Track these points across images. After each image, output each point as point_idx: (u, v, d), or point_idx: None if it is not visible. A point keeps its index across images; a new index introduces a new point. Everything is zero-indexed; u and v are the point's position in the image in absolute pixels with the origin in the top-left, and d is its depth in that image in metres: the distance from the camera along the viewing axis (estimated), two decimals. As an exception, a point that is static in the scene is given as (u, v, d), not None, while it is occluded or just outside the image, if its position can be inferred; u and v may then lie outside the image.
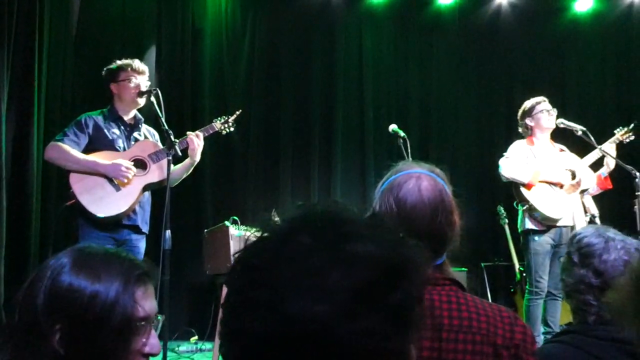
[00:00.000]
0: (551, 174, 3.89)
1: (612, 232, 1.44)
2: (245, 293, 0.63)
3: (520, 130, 4.09)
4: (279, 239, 0.65)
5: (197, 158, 3.43)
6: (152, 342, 1.01)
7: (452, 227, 1.24)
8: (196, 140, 3.39)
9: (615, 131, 4.10)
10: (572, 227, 3.85)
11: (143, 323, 1.00)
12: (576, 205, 3.93)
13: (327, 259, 0.60)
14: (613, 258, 1.38)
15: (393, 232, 0.68)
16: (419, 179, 1.25)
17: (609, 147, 4.01)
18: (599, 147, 3.94)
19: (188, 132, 3.44)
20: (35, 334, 0.93)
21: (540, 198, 3.83)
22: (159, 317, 1.05)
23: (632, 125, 4.10)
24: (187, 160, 3.47)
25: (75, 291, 0.95)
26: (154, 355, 1.02)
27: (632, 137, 4.11)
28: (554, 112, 3.97)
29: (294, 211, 0.68)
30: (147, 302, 1.01)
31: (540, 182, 3.85)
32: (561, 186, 3.87)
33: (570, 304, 1.46)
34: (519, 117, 4.07)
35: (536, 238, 3.83)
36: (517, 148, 4.01)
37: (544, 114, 3.95)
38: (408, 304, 0.62)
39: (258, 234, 0.68)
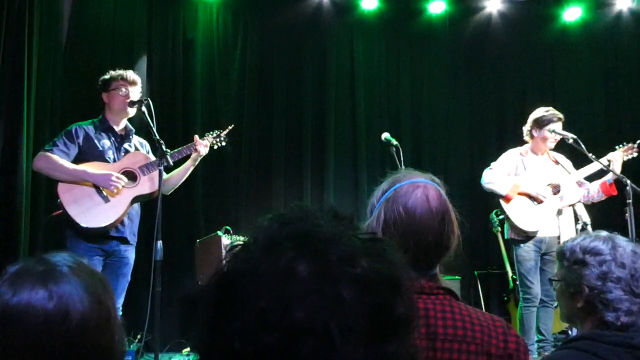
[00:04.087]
0: (531, 187, 3.90)
1: (604, 233, 1.48)
2: (242, 303, 0.62)
3: (524, 132, 4.05)
4: (263, 249, 0.65)
5: (197, 162, 3.54)
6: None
7: (454, 237, 1.25)
8: (204, 150, 3.50)
9: (617, 147, 4.03)
10: (559, 237, 3.88)
11: None
12: (565, 215, 3.96)
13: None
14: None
15: (389, 248, 0.68)
16: (425, 189, 1.24)
17: (613, 157, 3.94)
18: (590, 154, 3.96)
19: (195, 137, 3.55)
20: None
21: (516, 211, 3.88)
22: None
23: (638, 142, 4.01)
24: (187, 163, 3.51)
25: (27, 307, 0.92)
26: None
27: (635, 154, 4.01)
28: (558, 137, 3.95)
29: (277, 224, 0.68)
30: None
31: (519, 194, 3.88)
32: (540, 201, 3.89)
33: (588, 313, 1.43)
34: (529, 122, 4.01)
35: (521, 245, 3.89)
36: (507, 158, 4.02)
37: (552, 134, 3.92)
38: (409, 314, 0.64)
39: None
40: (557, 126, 3.94)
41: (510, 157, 4.02)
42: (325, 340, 0.58)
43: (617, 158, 3.95)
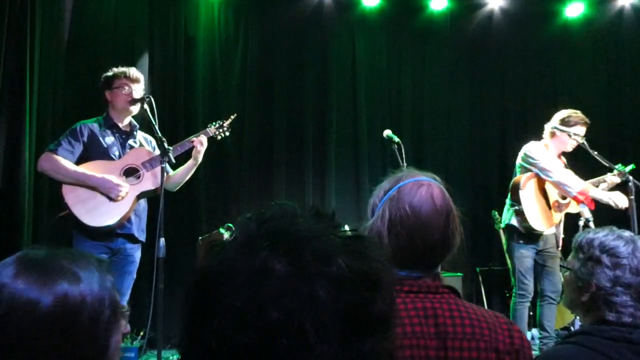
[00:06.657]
0: (602, 193, 3.85)
1: (627, 233, 1.48)
2: (218, 302, 0.62)
3: (548, 128, 4.00)
4: (240, 250, 0.65)
5: (200, 159, 3.50)
6: (124, 322, 1.05)
7: (458, 234, 1.25)
8: (201, 147, 3.46)
9: (615, 168, 3.95)
10: (555, 234, 3.97)
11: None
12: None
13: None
14: None
15: (370, 246, 0.68)
16: (430, 187, 1.24)
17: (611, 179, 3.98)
18: (607, 162, 3.91)
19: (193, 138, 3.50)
20: None
21: (532, 208, 3.88)
22: None
23: (629, 167, 3.96)
24: (190, 162, 3.49)
25: (63, 301, 0.92)
26: (127, 334, 1.05)
27: (625, 178, 3.89)
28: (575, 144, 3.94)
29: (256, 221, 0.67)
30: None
31: (585, 198, 3.80)
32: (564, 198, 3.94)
33: (590, 308, 1.44)
34: (555, 120, 3.97)
35: (521, 242, 3.91)
36: (542, 149, 3.95)
37: (574, 140, 3.90)
38: (388, 312, 0.64)
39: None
40: (581, 131, 3.92)
41: (544, 149, 3.95)
42: (300, 339, 0.58)
43: (614, 180, 3.97)
